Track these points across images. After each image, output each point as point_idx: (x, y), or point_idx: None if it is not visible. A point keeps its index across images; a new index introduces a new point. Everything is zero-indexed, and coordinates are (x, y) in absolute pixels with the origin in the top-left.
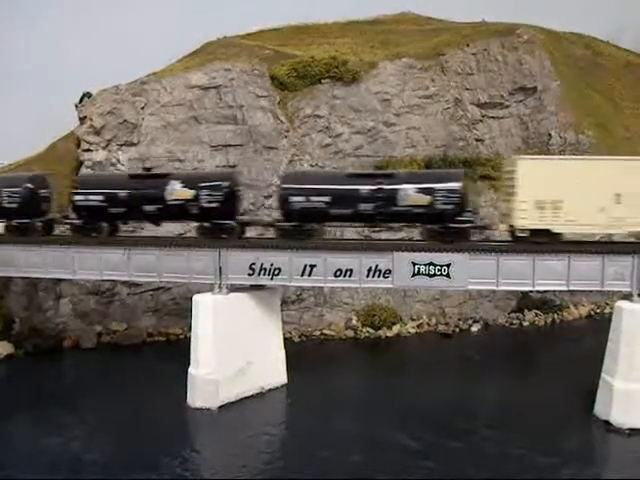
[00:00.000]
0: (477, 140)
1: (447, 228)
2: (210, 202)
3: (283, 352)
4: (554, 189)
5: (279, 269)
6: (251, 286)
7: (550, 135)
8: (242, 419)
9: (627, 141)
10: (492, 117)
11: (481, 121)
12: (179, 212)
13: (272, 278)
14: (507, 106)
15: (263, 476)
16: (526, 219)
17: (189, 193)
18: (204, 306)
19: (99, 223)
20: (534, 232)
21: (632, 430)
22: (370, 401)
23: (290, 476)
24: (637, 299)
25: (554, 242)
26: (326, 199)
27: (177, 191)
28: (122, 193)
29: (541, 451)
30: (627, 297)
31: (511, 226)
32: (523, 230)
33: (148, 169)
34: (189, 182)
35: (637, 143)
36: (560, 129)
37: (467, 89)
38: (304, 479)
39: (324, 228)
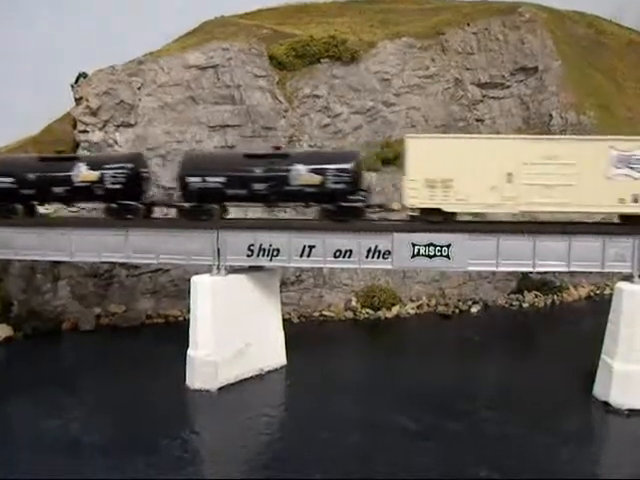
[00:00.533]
0: (477, 120)
1: (339, 207)
2: (114, 183)
3: (282, 333)
4: (444, 168)
5: (278, 250)
6: (250, 267)
7: (551, 116)
8: (241, 400)
9: (629, 121)
10: (493, 97)
11: (481, 101)
12: (86, 193)
13: (271, 259)
14: (508, 86)
15: (263, 457)
16: (416, 198)
17: (94, 175)
18: (202, 287)
19: (13, 204)
20: (425, 211)
21: (631, 411)
22: (369, 382)
23: (290, 457)
24: (637, 280)
25: (449, 222)
26: (221, 180)
27: (83, 173)
28: (32, 175)
29: (540, 432)
30: (627, 278)
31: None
32: (414, 209)
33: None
34: (94, 164)
35: (639, 123)
36: (561, 109)
37: (467, 69)
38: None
39: (226, 208)
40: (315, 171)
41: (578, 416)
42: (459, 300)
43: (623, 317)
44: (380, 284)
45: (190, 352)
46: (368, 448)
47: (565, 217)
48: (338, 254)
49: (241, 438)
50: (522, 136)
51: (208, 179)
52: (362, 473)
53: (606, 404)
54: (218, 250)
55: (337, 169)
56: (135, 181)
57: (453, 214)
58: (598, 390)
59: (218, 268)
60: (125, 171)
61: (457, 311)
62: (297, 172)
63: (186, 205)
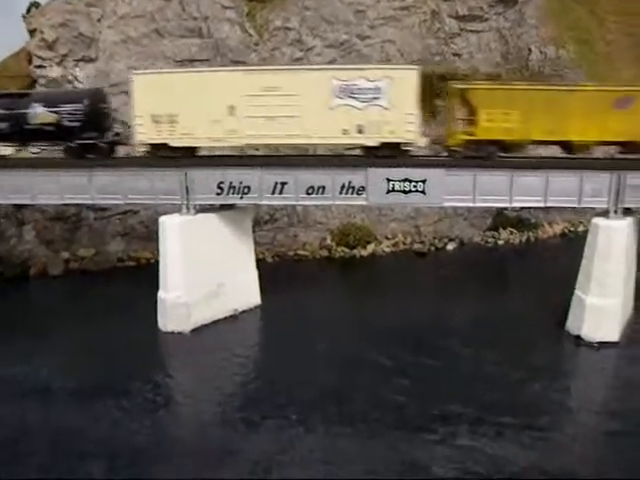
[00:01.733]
0: (454, 55)
1: (79, 145)
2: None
3: (256, 273)
4: (169, 103)
5: (248, 187)
6: (221, 206)
7: (530, 50)
8: (215, 342)
9: (607, 56)
10: (470, 31)
11: (459, 35)
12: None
13: (242, 197)
14: (486, 19)
15: (237, 398)
16: (144, 134)
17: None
18: (171, 227)
19: None
20: (154, 147)
21: (601, 344)
22: (345, 320)
23: (265, 398)
24: (613, 216)
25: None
26: None
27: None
28: None
29: (514, 367)
30: (603, 214)
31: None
32: (142, 145)
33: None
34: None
35: (617, 59)
36: (540, 44)
37: (445, 0)
38: None
39: None
40: (51, 110)
41: (551, 350)
42: (435, 238)
43: (597, 253)
44: (355, 222)
45: (161, 294)
46: (344, 387)
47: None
48: (311, 191)
49: (215, 380)
50: (243, 68)
51: None
52: (338, 411)
53: (578, 338)
54: (187, 189)
55: (72, 108)
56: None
57: (193, 150)
58: (571, 324)
59: (187, 207)
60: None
61: (433, 249)
62: (34, 111)
63: None
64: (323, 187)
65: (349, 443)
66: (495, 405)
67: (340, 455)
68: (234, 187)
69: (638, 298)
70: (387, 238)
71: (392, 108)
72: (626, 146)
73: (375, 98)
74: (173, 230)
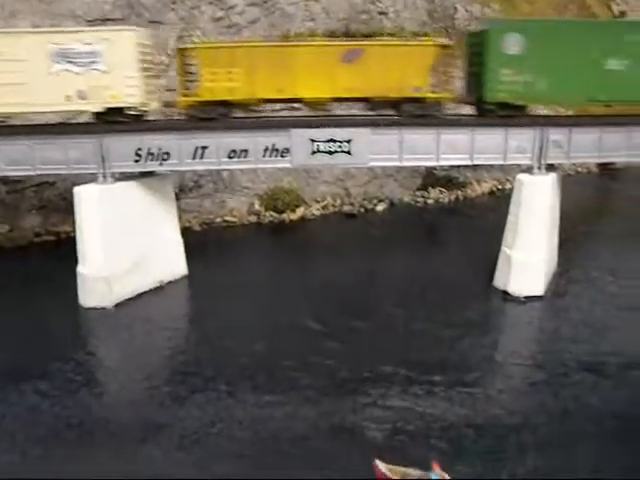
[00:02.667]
0: (380, 13)
1: None
2: None
3: (181, 242)
4: None
5: (168, 153)
6: (140, 174)
7: (456, 8)
8: (140, 315)
9: (529, 16)
10: None
11: None
12: None
13: (161, 163)
14: None
15: (164, 372)
16: None
17: None
18: (87, 198)
19: None
20: None
21: (527, 298)
22: (275, 286)
23: (193, 370)
24: (537, 172)
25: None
26: None
27: None
28: None
29: (444, 324)
30: (528, 170)
31: None
32: None
33: None
34: None
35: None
36: (466, 2)
37: None
38: None
39: None
40: None
41: (479, 306)
42: (364, 199)
43: (522, 208)
44: (283, 186)
45: (80, 269)
46: (275, 353)
47: None
48: (233, 154)
49: (140, 355)
50: None
51: None
52: (268, 380)
53: (505, 293)
54: (102, 157)
55: None
56: None
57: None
58: (498, 280)
59: (104, 176)
60: None
61: (363, 210)
62: None
63: None
64: (246, 150)
65: (279, 411)
66: (425, 364)
67: (269, 424)
68: (152, 153)
69: (562, 252)
70: (316, 201)
71: (111, 72)
72: (371, 102)
73: (93, 62)
74: (89, 201)
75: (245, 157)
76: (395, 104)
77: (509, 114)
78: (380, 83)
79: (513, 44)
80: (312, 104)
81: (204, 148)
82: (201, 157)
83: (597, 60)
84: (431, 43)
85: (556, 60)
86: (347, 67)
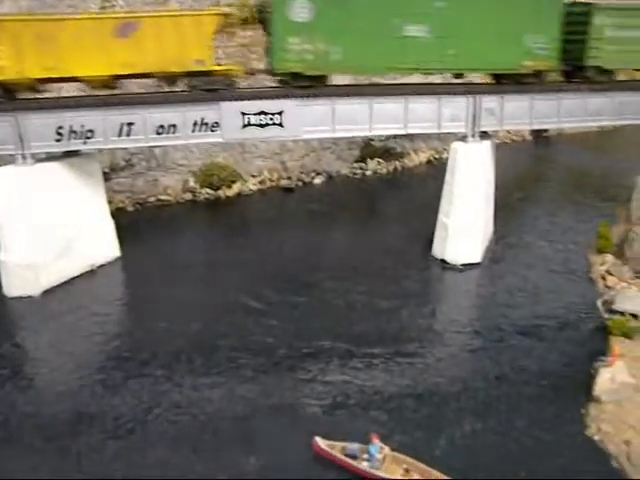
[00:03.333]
0: None
1: None
2: None
3: (112, 223)
4: None
5: (92, 131)
6: (64, 153)
7: None
8: (70, 302)
9: None
10: None
11: None
12: None
13: (85, 142)
14: None
15: (97, 359)
16: None
17: None
18: (5, 181)
19: None
20: None
21: (464, 265)
22: (211, 265)
23: (127, 356)
24: (471, 140)
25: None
26: None
27: None
28: None
29: (382, 296)
30: (462, 139)
31: None
32: None
33: None
34: None
35: None
36: None
37: None
38: None
39: None
40: None
41: (418, 276)
42: (302, 172)
43: (457, 177)
44: (218, 161)
45: (1, 256)
46: (212, 335)
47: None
48: (161, 130)
49: (70, 343)
50: None
51: None
52: (205, 361)
53: (443, 261)
54: (20, 136)
55: None
56: None
57: None
58: (436, 249)
59: (23, 157)
60: None
61: (300, 184)
62: None
63: None
64: (174, 125)
65: (217, 393)
66: (364, 336)
67: (208, 406)
68: (75, 131)
69: (498, 219)
70: (253, 176)
71: None
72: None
73: None
74: (7, 184)
75: (174, 133)
76: (177, 78)
77: (305, 84)
78: (159, 57)
79: (300, 11)
80: (91, 82)
81: (130, 125)
82: (128, 134)
83: (395, 26)
84: (209, 12)
85: (350, 27)
86: (123, 42)
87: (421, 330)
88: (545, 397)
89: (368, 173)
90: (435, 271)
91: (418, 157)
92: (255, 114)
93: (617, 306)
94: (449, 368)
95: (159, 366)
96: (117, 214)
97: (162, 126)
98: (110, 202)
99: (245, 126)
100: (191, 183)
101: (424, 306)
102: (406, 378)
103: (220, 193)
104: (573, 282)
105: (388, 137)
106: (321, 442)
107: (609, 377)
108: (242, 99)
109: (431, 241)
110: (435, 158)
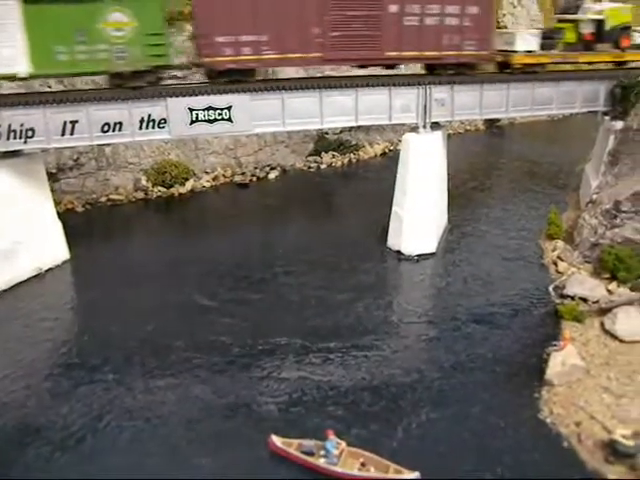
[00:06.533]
0: None
1: None
2: None
3: (59, 225)
4: None
5: (32, 129)
6: (3, 154)
7: None
8: (16, 309)
9: None
10: None
11: None
12: None
13: (25, 141)
14: None
15: (45, 365)
16: None
17: None
18: None
19: None
20: None
21: (419, 256)
22: (165, 265)
23: (76, 361)
24: (423, 130)
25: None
26: None
27: None
28: None
29: (338, 289)
30: (414, 129)
31: None
32: None
33: None
34: None
35: None
36: None
37: None
38: None
39: None
40: None
41: (374, 268)
42: (256, 167)
43: (409, 168)
44: (171, 159)
45: None
46: (165, 335)
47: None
48: (107, 128)
49: (16, 351)
50: None
51: None
52: (158, 363)
53: (399, 253)
54: None
55: None
56: None
57: None
58: (391, 241)
59: None
60: None
61: (255, 179)
62: None
63: None
64: (120, 123)
65: (171, 395)
66: (320, 331)
67: (161, 409)
68: (14, 130)
69: (452, 209)
70: (206, 172)
71: None
72: None
73: None
74: None
75: (120, 130)
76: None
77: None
78: None
79: None
80: None
81: (74, 123)
82: (71, 133)
83: None
84: None
85: None
86: None
87: (377, 322)
88: (499, 383)
89: (323, 166)
90: (391, 263)
91: (373, 149)
92: (203, 110)
93: (568, 291)
94: (405, 359)
95: (110, 371)
96: (66, 215)
97: (107, 124)
98: (59, 203)
99: (193, 122)
100: (143, 182)
101: (380, 298)
102: (362, 371)
103: (173, 191)
104: (526, 269)
105: (342, 130)
106: (277, 440)
107: (560, 361)
108: (189, 95)
109: (386, 233)
110: (390, 150)
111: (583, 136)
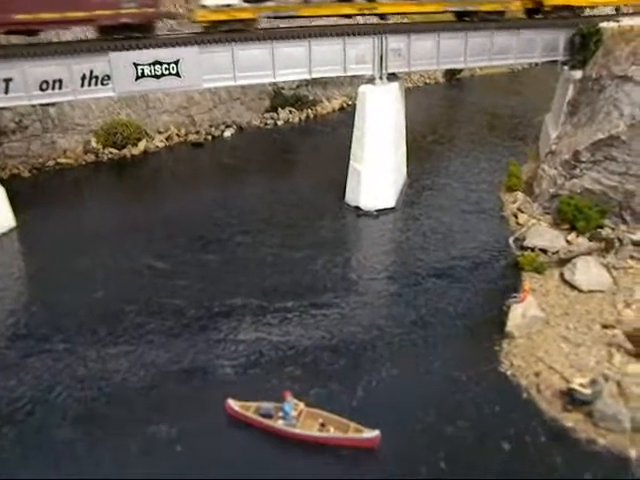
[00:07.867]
0: None
1: None
2: None
3: (2, 191)
4: None
5: None
6: None
7: None
8: None
9: None
10: None
11: None
12: None
13: None
14: None
15: None
16: None
17: None
18: None
19: None
20: None
21: (378, 211)
22: (116, 229)
23: (22, 332)
24: (379, 82)
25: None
26: None
27: None
28: None
29: (296, 247)
30: (370, 81)
31: None
32: None
33: None
34: None
35: None
36: None
37: None
38: None
39: None
40: None
41: (332, 225)
42: (211, 126)
43: (366, 121)
44: (121, 119)
45: None
46: (117, 301)
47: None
48: (45, 86)
49: None
50: None
51: None
52: (110, 330)
53: (357, 208)
54: None
55: None
56: None
57: None
58: (349, 196)
59: None
60: None
61: (210, 137)
62: None
63: None
64: (60, 80)
65: (124, 362)
66: (279, 290)
67: (114, 378)
68: None
69: (412, 162)
70: (159, 132)
71: None
72: None
73: None
74: None
75: (60, 88)
76: None
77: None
78: None
79: None
80: None
81: (8, 80)
82: (5, 91)
83: None
84: None
85: None
86: None
87: (336, 280)
88: (460, 337)
89: (280, 123)
90: (349, 218)
91: (331, 104)
92: (149, 64)
93: (528, 242)
94: (365, 316)
95: (61, 340)
96: (11, 181)
97: (46, 81)
98: (3, 168)
99: (139, 78)
100: (93, 143)
101: (338, 255)
102: (321, 330)
103: (125, 152)
104: (486, 221)
105: (299, 85)
106: (234, 404)
107: (521, 313)
108: (133, 48)
109: (345, 189)
110: (348, 104)
111: (543, 88)
